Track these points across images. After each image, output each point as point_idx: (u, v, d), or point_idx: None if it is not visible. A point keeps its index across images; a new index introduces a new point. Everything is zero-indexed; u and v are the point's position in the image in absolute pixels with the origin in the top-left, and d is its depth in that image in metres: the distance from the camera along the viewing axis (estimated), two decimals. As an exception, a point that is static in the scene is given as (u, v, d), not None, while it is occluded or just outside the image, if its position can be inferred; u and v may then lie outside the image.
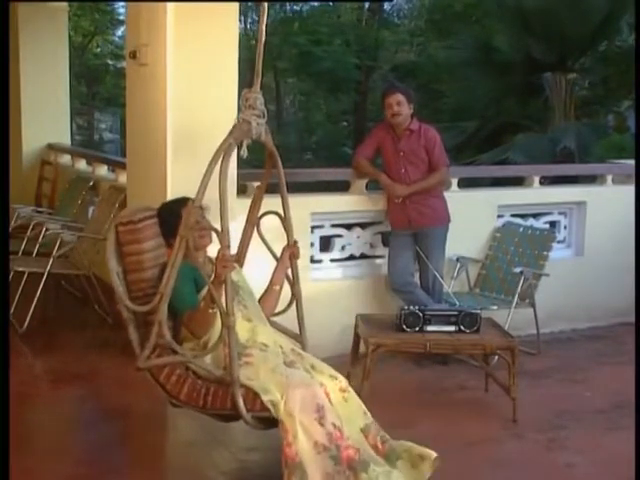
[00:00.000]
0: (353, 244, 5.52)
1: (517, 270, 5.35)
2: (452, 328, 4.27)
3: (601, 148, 12.55)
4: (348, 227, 5.52)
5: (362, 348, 4.37)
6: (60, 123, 8.21)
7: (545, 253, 5.58)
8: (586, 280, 6.04)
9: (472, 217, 5.63)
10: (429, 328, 4.26)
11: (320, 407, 3.08)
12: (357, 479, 3.02)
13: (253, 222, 3.84)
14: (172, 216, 3.41)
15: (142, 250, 3.42)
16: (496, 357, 4.60)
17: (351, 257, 5.53)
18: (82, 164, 7.49)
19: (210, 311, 3.21)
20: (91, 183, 6.60)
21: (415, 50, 21.86)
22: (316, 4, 21.61)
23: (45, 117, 7.96)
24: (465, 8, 17.88)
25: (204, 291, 3.28)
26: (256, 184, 5.02)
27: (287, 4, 21.17)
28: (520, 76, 13.13)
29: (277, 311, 3.80)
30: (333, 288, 5.28)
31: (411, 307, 4.34)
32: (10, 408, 3.00)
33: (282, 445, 3.03)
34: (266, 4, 3.38)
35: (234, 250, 3.59)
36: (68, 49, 8.31)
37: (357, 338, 4.47)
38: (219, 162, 3.23)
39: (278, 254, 3.79)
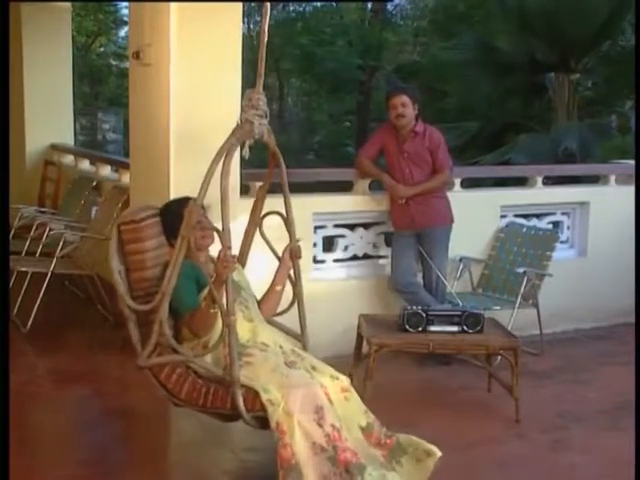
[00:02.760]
0: (356, 244, 5.51)
1: (520, 270, 5.34)
2: (455, 328, 4.26)
3: (603, 151, 12.54)
4: (351, 227, 5.52)
5: (365, 348, 4.37)
6: (63, 123, 8.22)
7: (548, 253, 5.57)
8: (589, 280, 6.04)
9: (475, 217, 5.62)
10: (432, 328, 4.26)
11: (319, 408, 3.07)
12: None
13: (256, 222, 3.83)
14: (174, 216, 3.42)
15: (144, 249, 3.42)
16: (499, 357, 4.60)
17: (354, 257, 5.53)
18: (85, 164, 7.49)
19: (211, 311, 3.22)
20: (94, 183, 6.61)
21: (418, 50, 21.86)
22: (319, 4, 21.62)
23: (48, 117, 7.97)
24: (468, 9, 17.88)
25: (206, 291, 3.28)
26: (258, 184, 5.06)
27: (290, 4, 21.18)
28: (523, 76, 13.11)
29: (279, 311, 3.78)
30: (336, 288, 5.28)
31: (414, 307, 4.34)
32: (13, 407, 2.99)
33: (277, 446, 3.01)
34: (269, 4, 3.38)
35: (236, 250, 3.59)
36: (71, 49, 8.32)
37: (360, 338, 4.47)
38: (221, 162, 3.22)
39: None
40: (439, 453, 3.23)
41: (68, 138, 8.24)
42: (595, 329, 6.01)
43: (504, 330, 4.46)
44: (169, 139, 4.72)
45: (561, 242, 6.03)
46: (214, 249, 3.41)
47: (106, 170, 6.97)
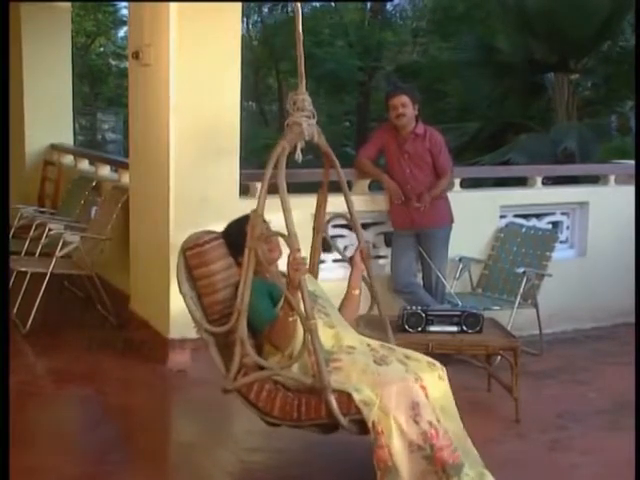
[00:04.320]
0: (355, 244, 5.49)
1: (520, 270, 5.34)
2: (455, 328, 4.26)
3: (603, 151, 12.55)
4: (350, 227, 5.50)
5: (365, 348, 4.36)
6: (63, 123, 8.20)
7: (548, 253, 5.57)
8: (589, 280, 6.04)
9: (475, 217, 5.62)
10: (432, 328, 4.26)
11: (415, 404, 3.02)
12: None
13: (320, 229, 3.76)
14: (239, 234, 3.37)
15: (212, 272, 3.39)
16: (499, 357, 4.60)
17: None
18: (85, 164, 7.49)
19: (290, 319, 3.16)
20: (94, 183, 6.60)
21: (418, 51, 21.84)
22: (318, 5, 21.60)
23: (48, 117, 7.95)
24: (467, 9, 17.86)
25: (281, 302, 3.23)
26: (258, 184, 5.05)
27: (289, 5, 21.16)
28: (522, 77, 13.12)
29: (360, 315, 3.72)
30: (336, 288, 5.20)
31: (413, 307, 4.34)
32: (12, 407, 2.99)
33: (374, 447, 2.96)
34: (299, 4, 3.35)
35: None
36: (71, 49, 8.30)
37: (360, 338, 4.46)
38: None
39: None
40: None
41: (68, 138, 8.22)
42: (595, 329, 6.00)
43: (504, 330, 4.46)
44: (169, 139, 4.72)
45: (560, 242, 6.02)
46: (282, 263, 3.38)
47: (106, 170, 6.96)
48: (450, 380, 4.81)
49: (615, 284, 6.07)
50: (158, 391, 4.56)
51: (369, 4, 21.16)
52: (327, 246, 5.42)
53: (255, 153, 14.85)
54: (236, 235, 3.41)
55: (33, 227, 6.09)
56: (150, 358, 4.89)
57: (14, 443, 2.85)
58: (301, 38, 3.27)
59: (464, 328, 4.25)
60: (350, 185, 5.50)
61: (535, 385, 4.74)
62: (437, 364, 3.28)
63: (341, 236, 5.46)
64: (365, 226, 5.54)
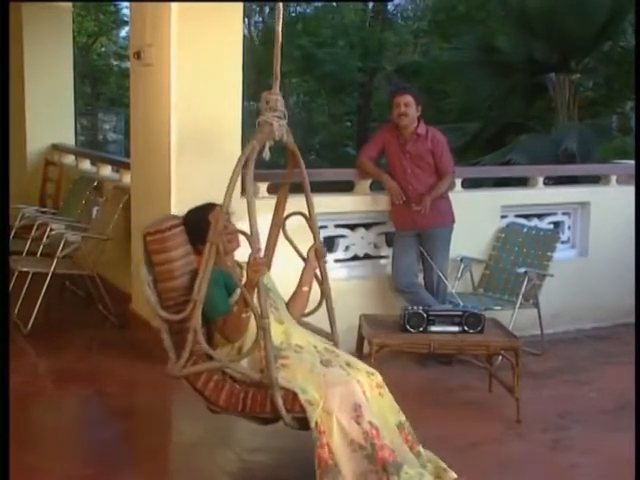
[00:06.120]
0: (357, 244, 5.52)
1: (521, 270, 5.34)
2: (456, 328, 4.26)
3: (604, 151, 12.55)
4: (352, 227, 5.52)
5: (366, 348, 4.36)
6: (64, 123, 8.22)
7: (549, 253, 5.57)
8: (590, 280, 6.04)
9: (476, 217, 5.62)
10: (433, 328, 4.25)
11: (357, 405, 3.06)
12: None
13: (278, 224, 3.78)
14: (199, 223, 3.39)
15: (171, 259, 3.39)
16: (500, 357, 4.60)
17: (355, 257, 5.53)
18: (86, 164, 7.49)
19: (243, 315, 3.20)
20: (95, 183, 6.60)
21: (419, 51, 21.86)
22: (319, 5, 21.60)
23: (49, 117, 7.96)
24: (468, 9, 17.86)
25: (236, 295, 3.26)
26: (261, 184, 5.05)
27: (290, 5, 21.17)
28: (524, 77, 13.12)
29: (307, 311, 3.75)
30: (337, 288, 5.17)
31: (415, 307, 4.34)
32: (13, 407, 3.00)
33: (315, 446, 3.00)
34: (281, 5, 3.37)
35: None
36: (72, 49, 8.32)
37: (361, 338, 4.46)
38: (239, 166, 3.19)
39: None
40: (455, 475, 3.22)
41: (69, 138, 8.24)
42: (596, 329, 6.01)
43: (505, 330, 4.46)
44: (170, 139, 4.72)
45: (562, 242, 6.03)
46: (239, 253, 3.41)
47: (107, 170, 6.97)
48: (450, 380, 4.85)
49: (616, 284, 6.07)
50: (159, 391, 4.56)
51: (370, 5, 21.16)
52: (328, 246, 5.45)
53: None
54: (198, 224, 3.42)
55: (34, 227, 6.09)
56: (151, 358, 4.87)
57: (15, 443, 2.85)
58: (280, 39, 3.30)
59: (465, 328, 4.25)
60: (352, 185, 5.53)
61: (536, 385, 4.74)
62: (375, 372, 3.31)
63: (343, 236, 5.48)
64: (366, 226, 5.55)
